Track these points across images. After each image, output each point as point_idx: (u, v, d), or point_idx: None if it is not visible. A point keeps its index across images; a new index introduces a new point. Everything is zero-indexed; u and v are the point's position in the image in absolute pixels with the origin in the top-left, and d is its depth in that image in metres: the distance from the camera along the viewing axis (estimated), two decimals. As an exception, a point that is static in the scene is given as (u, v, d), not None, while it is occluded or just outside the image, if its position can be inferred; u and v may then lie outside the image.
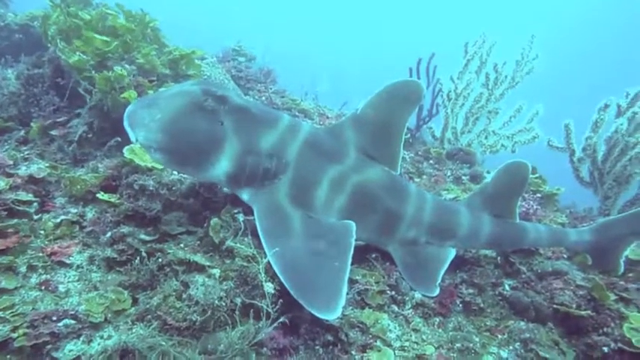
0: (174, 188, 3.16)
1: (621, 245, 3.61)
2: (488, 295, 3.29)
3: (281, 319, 2.33)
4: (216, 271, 2.59)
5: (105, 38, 4.11)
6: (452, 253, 3.26)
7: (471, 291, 3.25)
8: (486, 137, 6.02)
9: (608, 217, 3.92)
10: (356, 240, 2.70)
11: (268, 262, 2.46)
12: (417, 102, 3.06)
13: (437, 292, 3.04)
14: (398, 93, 2.99)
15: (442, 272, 3.14)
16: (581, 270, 3.65)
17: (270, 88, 6.67)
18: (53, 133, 3.86)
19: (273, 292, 2.44)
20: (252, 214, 2.79)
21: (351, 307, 2.82)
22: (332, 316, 2.23)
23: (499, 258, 3.66)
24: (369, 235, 3.09)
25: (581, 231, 3.69)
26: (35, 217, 3.01)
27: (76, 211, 3.14)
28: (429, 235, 3.21)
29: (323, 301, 2.28)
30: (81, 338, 2.31)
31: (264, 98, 6.25)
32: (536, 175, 5.41)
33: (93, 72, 3.86)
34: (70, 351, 2.23)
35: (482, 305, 3.18)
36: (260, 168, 2.79)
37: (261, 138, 2.82)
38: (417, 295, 3.04)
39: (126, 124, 2.59)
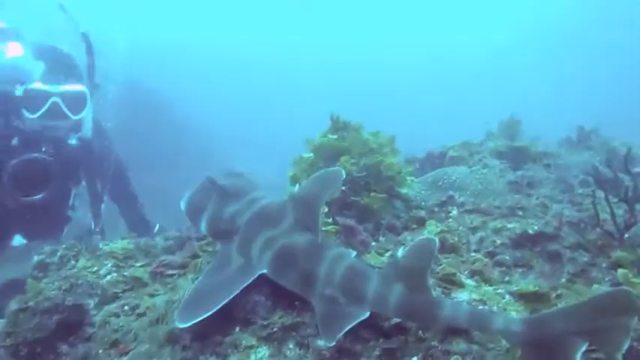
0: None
1: (567, 347, 2.90)
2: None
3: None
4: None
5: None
6: (363, 315, 3.42)
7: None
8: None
9: (552, 309, 3.24)
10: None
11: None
12: (336, 184, 3.86)
13: (333, 343, 3.33)
14: (323, 177, 3.88)
15: (346, 328, 3.40)
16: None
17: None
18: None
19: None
20: None
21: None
22: (180, 325, 3.03)
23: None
24: (292, 287, 3.72)
25: (511, 320, 3.19)
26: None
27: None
28: (344, 296, 3.59)
29: (187, 314, 3.10)
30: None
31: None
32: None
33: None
34: None
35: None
36: (222, 228, 3.97)
37: (227, 208, 4.01)
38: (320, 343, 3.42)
39: None
